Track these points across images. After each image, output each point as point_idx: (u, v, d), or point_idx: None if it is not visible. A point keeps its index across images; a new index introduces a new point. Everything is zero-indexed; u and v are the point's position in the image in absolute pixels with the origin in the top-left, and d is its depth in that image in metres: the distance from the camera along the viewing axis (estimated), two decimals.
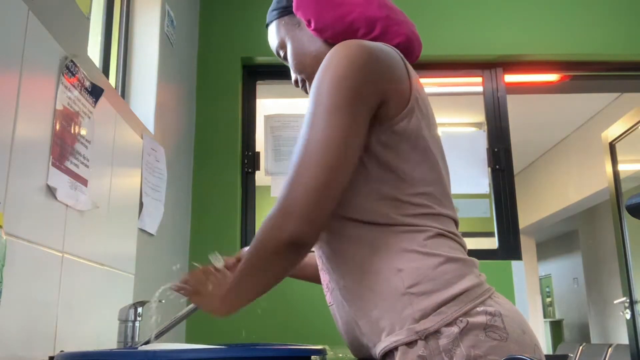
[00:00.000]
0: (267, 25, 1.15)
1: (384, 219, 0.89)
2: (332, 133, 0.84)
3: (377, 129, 0.90)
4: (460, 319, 0.81)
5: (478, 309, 0.82)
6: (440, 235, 0.89)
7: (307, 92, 1.10)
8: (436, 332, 0.81)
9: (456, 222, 0.96)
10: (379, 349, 0.85)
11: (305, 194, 0.82)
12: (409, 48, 1.06)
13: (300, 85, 1.13)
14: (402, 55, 0.98)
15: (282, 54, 1.13)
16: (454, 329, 0.80)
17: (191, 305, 1.05)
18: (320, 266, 1.01)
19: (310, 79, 1.08)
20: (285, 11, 1.09)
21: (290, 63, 1.11)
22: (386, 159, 0.90)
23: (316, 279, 1.18)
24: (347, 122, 0.85)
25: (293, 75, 1.13)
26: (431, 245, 0.87)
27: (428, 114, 0.97)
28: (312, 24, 1.04)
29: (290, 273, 0.94)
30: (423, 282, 0.84)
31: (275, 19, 1.11)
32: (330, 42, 1.04)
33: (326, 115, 0.86)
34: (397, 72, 0.92)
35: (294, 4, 1.06)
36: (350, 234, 0.91)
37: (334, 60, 0.89)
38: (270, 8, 1.14)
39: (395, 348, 0.83)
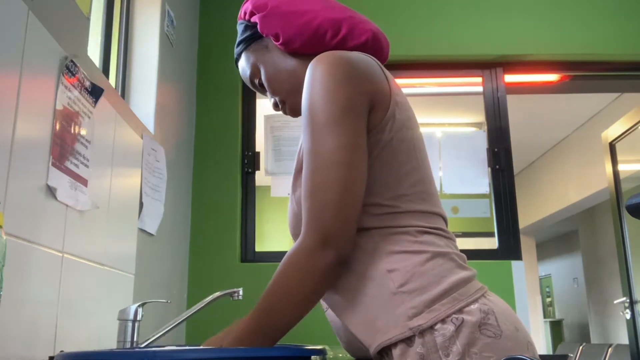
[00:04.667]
0: (237, 61, 1.14)
1: (370, 223, 0.89)
2: (338, 148, 0.85)
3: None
4: (455, 316, 0.82)
5: (472, 306, 0.83)
6: (427, 233, 0.90)
7: (286, 113, 1.11)
8: (431, 329, 0.81)
9: (445, 219, 0.97)
10: (373, 347, 0.86)
11: (334, 215, 0.84)
12: (376, 45, 1.06)
13: (280, 106, 1.11)
14: (376, 59, 0.98)
15: (257, 81, 1.11)
16: (450, 327, 0.81)
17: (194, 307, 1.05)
18: None
19: (289, 98, 1.07)
20: (251, 39, 1.08)
21: (266, 86, 1.09)
22: (371, 167, 0.90)
23: None
24: (349, 133, 0.86)
25: (272, 99, 1.12)
26: (419, 243, 0.88)
27: (409, 114, 0.97)
28: (280, 37, 1.03)
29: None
30: (413, 280, 0.84)
31: (243, 50, 1.10)
32: (300, 54, 1.04)
33: (326, 131, 0.86)
34: (377, 77, 0.93)
35: (258, 24, 1.05)
36: None
37: (317, 76, 0.89)
38: (236, 43, 1.13)
39: (392, 345, 0.84)
